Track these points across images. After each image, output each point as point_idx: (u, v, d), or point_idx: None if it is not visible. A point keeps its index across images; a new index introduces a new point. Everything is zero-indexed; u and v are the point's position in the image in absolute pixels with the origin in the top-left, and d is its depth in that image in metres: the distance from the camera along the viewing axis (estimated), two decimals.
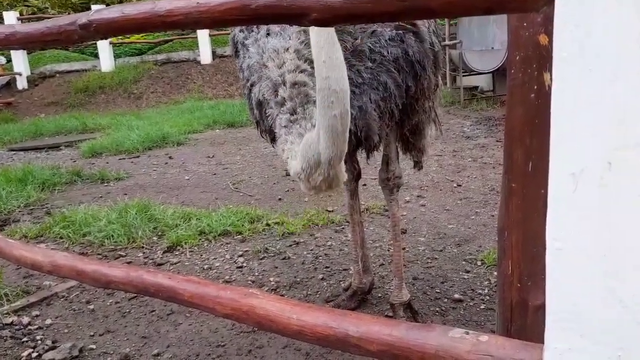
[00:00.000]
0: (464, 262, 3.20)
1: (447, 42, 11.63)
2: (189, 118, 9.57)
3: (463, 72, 9.43)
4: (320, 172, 1.71)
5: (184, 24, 1.37)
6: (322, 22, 1.14)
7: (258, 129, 2.32)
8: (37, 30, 1.66)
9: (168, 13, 1.34)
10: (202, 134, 8.51)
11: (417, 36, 1.98)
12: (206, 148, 7.32)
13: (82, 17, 1.51)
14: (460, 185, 4.82)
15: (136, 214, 3.96)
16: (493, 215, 4.04)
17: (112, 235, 3.73)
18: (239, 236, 3.76)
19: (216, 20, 1.29)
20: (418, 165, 2.60)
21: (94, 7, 12.98)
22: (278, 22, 1.20)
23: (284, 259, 3.34)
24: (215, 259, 3.40)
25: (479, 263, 3.17)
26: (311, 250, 3.47)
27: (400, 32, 1.95)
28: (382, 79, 1.95)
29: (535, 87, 1.19)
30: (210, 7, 1.27)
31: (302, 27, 1.94)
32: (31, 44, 1.73)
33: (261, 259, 3.35)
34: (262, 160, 6.31)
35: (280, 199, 4.72)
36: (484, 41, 10.16)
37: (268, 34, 2.05)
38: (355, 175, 2.61)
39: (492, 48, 9.55)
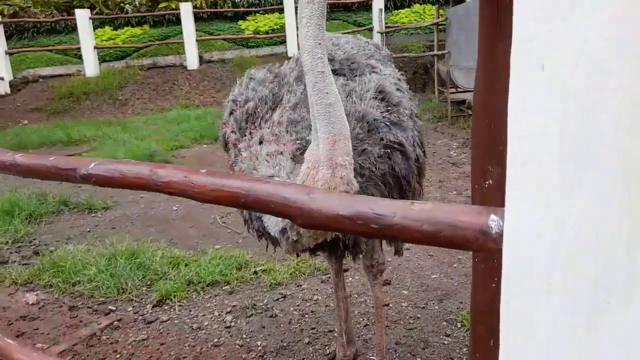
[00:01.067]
0: (445, 323, 3.35)
1: (435, 52, 11.79)
2: (176, 131, 9.63)
3: (451, 88, 9.58)
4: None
5: (178, 194, 1.48)
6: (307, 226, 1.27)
7: (246, 226, 2.42)
8: (41, 165, 1.75)
9: (165, 184, 1.45)
10: (190, 150, 8.57)
11: (403, 154, 2.10)
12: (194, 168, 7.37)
13: (82, 169, 1.61)
14: None
15: (125, 261, 4.05)
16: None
17: (102, 286, 3.83)
18: (227, 287, 3.88)
19: (208, 201, 1.41)
20: (398, 253, 2.72)
21: (80, 20, 12.88)
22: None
23: (271, 316, 3.47)
24: (204, 315, 3.52)
25: (459, 325, 3.32)
26: (298, 306, 3.60)
27: (388, 150, 2.07)
28: (370, 191, 2.07)
29: None
30: (202, 190, 1.39)
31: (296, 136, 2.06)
32: (32, 175, 1.83)
33: (249, 317, 3.48)
34: None
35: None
36: (472, 55, 10.31)
37: (261, 142, 2.15)
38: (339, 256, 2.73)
39: None
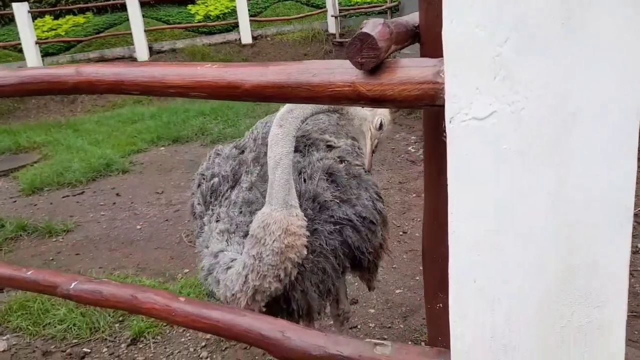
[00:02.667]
0: (410, 343, 3.63)
1: (388, 5, 11.90)
2: (131, 132, 9.51)
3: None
4: None
5: (161, 320, 1.62)
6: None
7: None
8: (19, 277, 1.85)
9: (147, 311, 1.59)
10: (147, 155, 8.52)
11: (353, 228, 2.28)
12: (153, 178, 7.39)
13: (63, 286, 1.72)
14: (405, 233, 5.25)
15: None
16: None
17: (73, 327, 3.91)
18: None
19: (191, 328, 1.56)
20: (370, 288, 2.93)
21: None
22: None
23: (245, 348, 3.66)
24: (179, 352, 3.68)
25: (423, 344, 3.60)
26: None
27: (338, 227, 2.25)
28: (322, 265, 2.25)
29: None
30: (184, 320, 1.54)
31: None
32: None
33: (224, 350, 3.66)
34: None
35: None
36: None
37: (217, 220, 2.29)
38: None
39: None
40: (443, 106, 1.08)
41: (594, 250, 0.93)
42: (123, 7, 14.05)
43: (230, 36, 13.87)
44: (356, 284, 4.29)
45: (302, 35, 13.64)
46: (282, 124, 1.92)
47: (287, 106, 1.96)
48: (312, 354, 1.35)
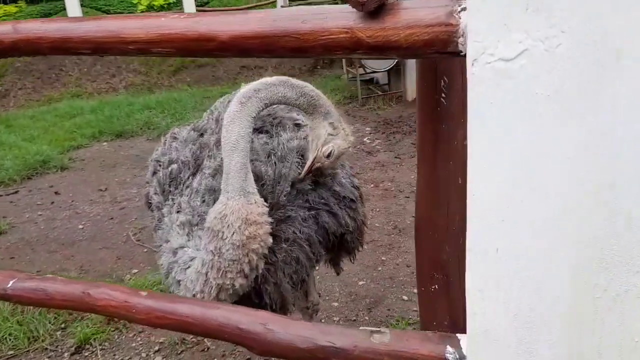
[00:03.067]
0: (409, 329, 3.52)
1: None
2: (69, 127, 8.96)
3: (360, 71, 9.73)
4: None
5: (118, 318, 1.41)
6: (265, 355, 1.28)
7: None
8: None
9: (102, 308, 1.39)
10: (88, 151, 8.04)
11: (329, 212, 2.14)
12: (96, 174, 6.96)
13: None
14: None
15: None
16: (398, 264, 4.43)
17: (9, 337, 3.56)
18: None
19: (154, 327, 1.36)
20: (338, 271, 2.79)
21: None
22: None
23: (203, 350, 3.45)
24: (130, 358, 3.41)
25: None
26: None
27: (313, 212, 2.09)
28: (295, 254, 2.09)
29: None
30: (147, 317, 1.34)
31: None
32: None
33: (179, 354, 3.43)
34: None
35: None
36: None
37: (178, 211, 2.09)
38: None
39: None
40: (456, 53, 0.95)
41: (638, 210, 0.82)
42: None
43: None
44: (318, 277, 4.15)
45: None
46: (244, 102, 1.73)
47: (253, 84, 1.78)
48: (299, 347, 1.20)
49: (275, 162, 2.02)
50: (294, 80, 1.79)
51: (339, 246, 2.36)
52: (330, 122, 1.91)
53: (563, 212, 0.86)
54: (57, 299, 1.40)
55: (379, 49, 0.99)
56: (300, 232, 2.05)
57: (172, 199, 2.11)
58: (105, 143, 8.38)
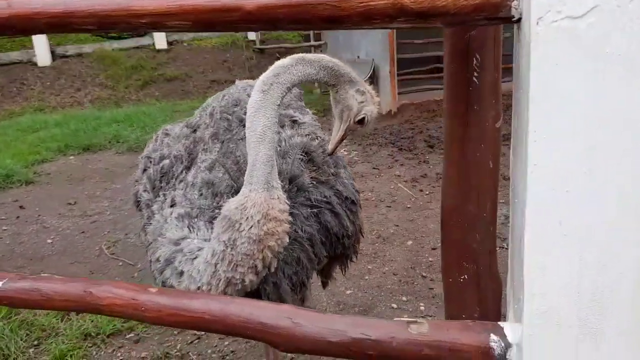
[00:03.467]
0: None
1: (312, 43, 11.93)
2: (33, 141, 8.65)
3: None
4: None
5: (125, 317, 1.30)
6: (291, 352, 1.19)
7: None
8: None
9: (107, 308, 1.28)
10: (54, 164, 7.75)
11: (332, 212, 2.07)
12: (64, 188, 6.70)
13: None
14: None
15: (2, 320, 3.56)
16: (384, 273, 4.38)
17: None
18: (131, 335, 3.58)
19: (166, 326, 1.25)
20: (325, 284, 2.72)
21: None
22: None
23: None
24: None
25: None
26: (215, 347, 3.45)
27: (316, 210, 2.02)
28: (296, 254, 2.01)
29: None
30: (158, 315, 1.24)
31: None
32: None
33: None
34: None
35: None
36: (349, 47, 10.62)
37: (172, 205, 1.99)
38: None
39: (358, 57, 10.03)
40: (508, 18, 0.90)
41: None
42: None
43: (144, 41, 13.16)
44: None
45: (220, 42, 13.26)
46: (266, 90, 1.64)
47: (271, 70, 1.69)
48: (329, 341, 1.11)
49: (276, 159, 1.94)
50: (309, 56, 1.71)
51: (334, 252, 2.28)
52: (357, 89, 1.83)
53: (633, 181, 0.81)
54: (55, 299, 1.28)
55: (424, 16, 0.93)
56: (302, 230, 1.98)
57: (164, 195, 2.01)
58: (72, 157, 8.11)
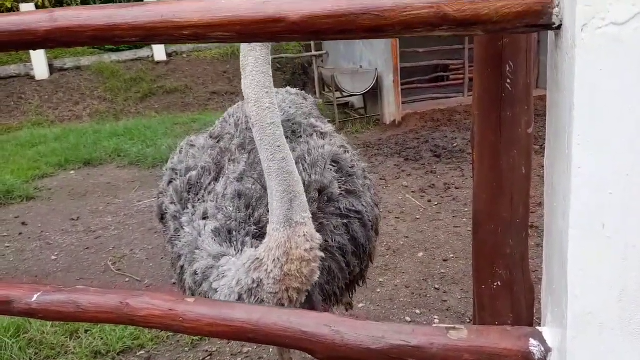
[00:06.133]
0: None
1: (313, 53, 12.04)
2: (33, 155, 8.69)
3: (336, 95, 9.83)
4: None
5: (162, 329, 1.34)
6: None
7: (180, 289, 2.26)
8: None
9: (143, 319, 1.31)
10: (55, 179, 7.79)
11: (361, 222, 2.11)
12: (66, 204, 6.73)
13: (22, 300, 1.38)
14: None
15: (11, 339, 3.57)
16: (396, 285, 4.40)
17: None
18: (142, 352, 3.60)
19: (204, 336, 1.28)
20: (349, 307, 2.73)
21: None
22: None
23: None
24: None
25: None
26: None
27: (345, 220, 2.06)
28: (327, 264, 2.05)
29: None
30: (196, 325, 1.27)
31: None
32: None
33: None
34: (139, 221, 6.00)
35: (175, 283, 4.57)
36: (351, 57, 10.72)
37: (205, 218, 2.02)
38: None
39: (361, 67, 10.12)
40: (549, 25, 0.95)
41: None
42: None
43: (142, 52, 13.27)
44: None
45: (220, 52, 13.38)
46: (250, 72, 1.59)
47: (245, 50, 1.62)
48: (370, 348, 1.14)
49: (305, 169, 1.98)
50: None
51: (360, 266, 2.31)
52: None
53: None
54: (90, 311, 1.31)
55: (466, 24, 0.98)
56: (332, 240, 2.01)
57: (193, 206, 2.04)
58: (72, 171, 8.15)
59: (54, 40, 1.24)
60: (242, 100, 1.83)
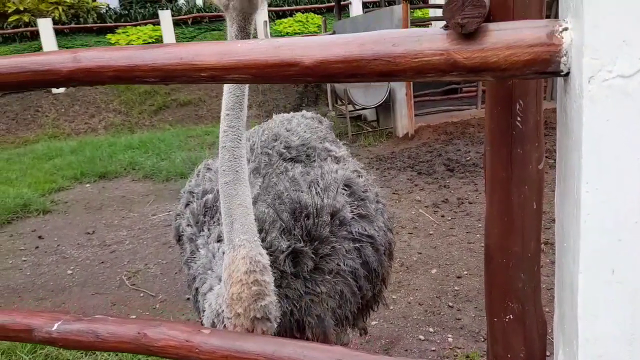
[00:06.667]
0: None
1: None
2: (49, 168, 8.84)
3: (349, 108, 9.88)
4: None
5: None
6: None
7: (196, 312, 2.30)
8: None
9: (161, 350, 1.34)
10: (71, 193, 7.91)
11: (373, 246, 2.14)
12: (81, 217, 6.83)
13: (43, 328, 1.42)
14: None
15: (27, 354, 3.63)
16: (410, 302, 4.40)
17: None
18: None
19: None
20: (364, 332, 2.75)
21: None
22: None
23: None
24: None
25: None
26: None
27: (358, 245, 2.09)
28: (339, 288, 2.07)
29: None
30: (211, 356, 1.30)
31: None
32: None
33: None
34: (154, 235, 6.07)
35: (188, 298, 4.62)
36: None
37: (219, 240, 2.06)
38: None
39: None
40: (557, 72, 0.97)
41: None
42: (33, 36, 13.34)
43: None
44: None
45: None
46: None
47: None
48: None
49: (318, 193, 2.02)
50: None
51: (373, 290, 2.33)
52: None
53: None
54: (109, 341, 1.35)
55: (475, 70, 1.01)
56: (344, 264, 2.04)
57: (208, 229, 2.09)
58: (88, 184, 8.27)
59: (77, 80, 1.29)
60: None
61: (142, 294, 4.75)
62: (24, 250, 5.89)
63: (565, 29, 0.95)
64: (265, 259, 1.68)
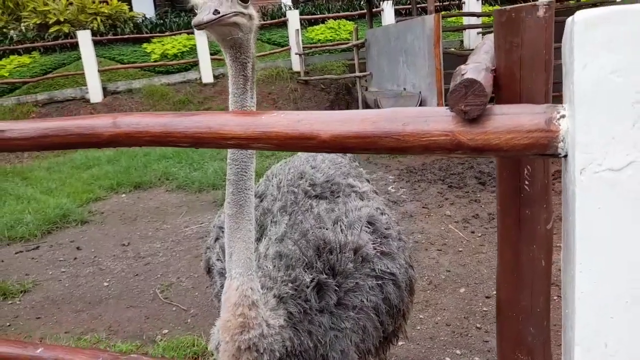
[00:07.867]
0: None
1: (357, 74, 12.19)
2: (87, 178, 9.19)
3: None
4: None
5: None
6: None
7: None
8: None
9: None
10: (107, 203, 8.21)
11: (395, 284, 2.22)
12: (117, 228, 7.10)
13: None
14: None
15: None
16: (437, 323, 4.45)
17: None
18: None
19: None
20: None
21: None
22: None
23: None
24: None
25: None
26: None
27: (380, 282, 2.18)
28: (362, 323, 2.17)
29: None
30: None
31: None
32: None
33: None
34: (186, 248, 6.27)
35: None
36: (395, 79, 10.81)
37: None
38: None
39: (404, 89, 10.20)
40: (555, 155, 1.05)
41: None
42: (72, 46, 13.86)
43: (190, 75, 13.82)
44: None
45: (265, 74, 13.74)
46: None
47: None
48: None
49: (342, 230, 2.12)
50: None
51: (394, 325, 2.42)
52: None
53: None
54: None
55: (479, 150, 1.10)
56: (367, 300, 2.13)
57: None
58: (123, 195, 8.57)
59: (116, 143, 1.43)
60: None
61: (174, 308, 4.94)
62: (62, 262, 6.17)
63: (563, 116, 1.03)
64: (256, 295, 1.77)
